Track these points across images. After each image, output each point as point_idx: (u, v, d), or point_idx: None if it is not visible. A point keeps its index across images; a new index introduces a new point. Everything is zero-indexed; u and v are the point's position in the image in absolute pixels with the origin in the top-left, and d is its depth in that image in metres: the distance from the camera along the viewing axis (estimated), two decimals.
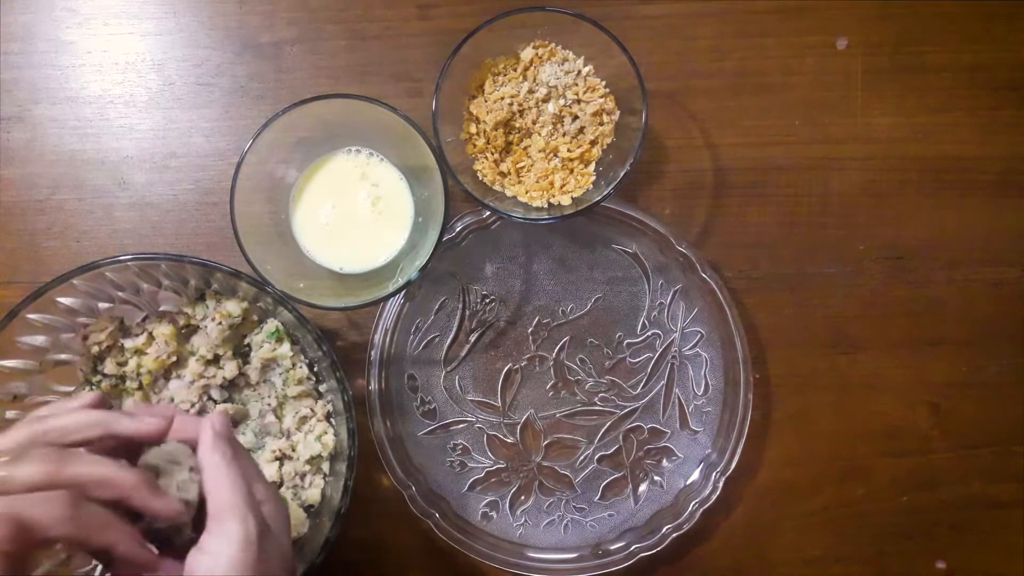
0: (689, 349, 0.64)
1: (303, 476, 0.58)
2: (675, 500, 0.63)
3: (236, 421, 0.59)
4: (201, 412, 0.58)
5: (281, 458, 0.58)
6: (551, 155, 0.60)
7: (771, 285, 0.65)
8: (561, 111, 0.60)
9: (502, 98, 0.59)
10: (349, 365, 0.62)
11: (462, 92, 0.61)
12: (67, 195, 0.63)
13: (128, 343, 0.57)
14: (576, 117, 0.60)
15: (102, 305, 0.56)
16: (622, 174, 0.57)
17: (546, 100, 0.60)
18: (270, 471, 0.58)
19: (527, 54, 0.60)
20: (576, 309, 0.64)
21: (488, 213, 0.62)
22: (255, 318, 0.59)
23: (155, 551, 0.40)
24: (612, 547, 0.62)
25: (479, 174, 0.61)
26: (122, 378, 0.58)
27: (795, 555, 0.65)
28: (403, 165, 0.60)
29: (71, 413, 0.41)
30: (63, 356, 0.56)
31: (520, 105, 0.60)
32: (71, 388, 0.57)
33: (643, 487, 0.63)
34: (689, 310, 0.64)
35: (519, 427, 0.64)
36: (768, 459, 0.65)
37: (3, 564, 0.35)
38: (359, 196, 0.60)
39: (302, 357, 0.59)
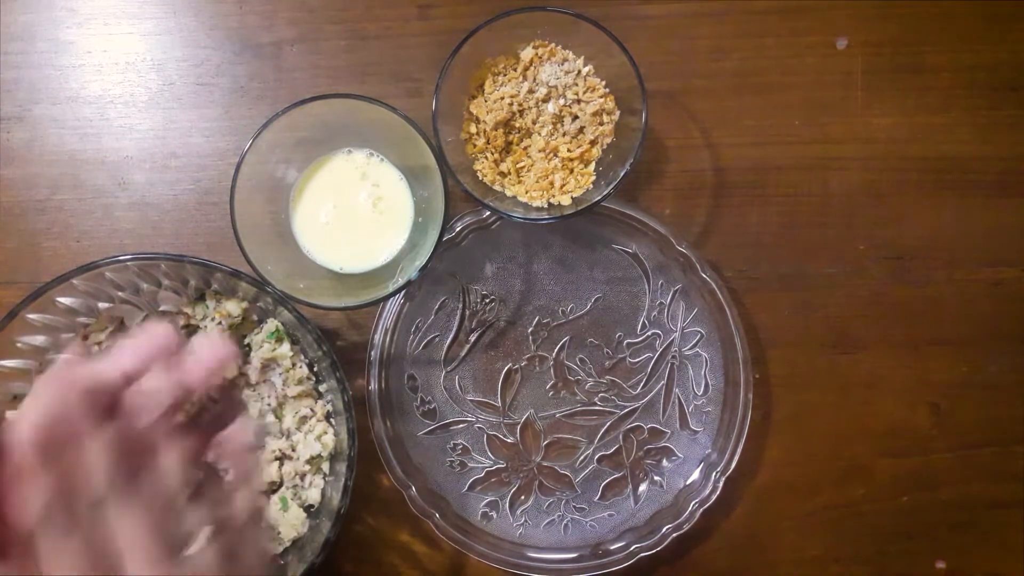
0: (689, 349, 0.64)
1: (303, 476, 0.58)
2: (675, 500, 0.63)
3: None
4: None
5: (281, 458, 0.58)
6: (551, 155, 0.60)
7: (771, 285, 0.65)
8: (561, 111, 0.60)
9: (502, 98, 0.59)
10: (349, 365, 0.62)
11: (462, 92, 0.61)
12: (67, 195, 0.63)
13: None
14: (576, 117, 0.60)
15: (102, 305, 0.56)
16: (622, 174, 0.57)
17: (546, 100, 0.60)
18: (270, 471, 0.58)
19: (527, 54, 0.60)
20: (576, 309, 0.64)
21: (488, 213, 0.62)
22: (255, 318, 0.59)
23: None
24: (612, 547, 0.62)
25: (479, 174, 0.61)
26: None
27: (795, 555, 0.65)
28: (403, 165, 0.60)
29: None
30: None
31: (520, 105, 0.60)
32: None
33: (643, 487, 0.63)
34: (689, 310, 0.64)
35: (519, 427, 0.64)
36: (768, 459, 0.65)
37: None
38: (359, 196, 0.60)
39: (302, 357, 0.59)
